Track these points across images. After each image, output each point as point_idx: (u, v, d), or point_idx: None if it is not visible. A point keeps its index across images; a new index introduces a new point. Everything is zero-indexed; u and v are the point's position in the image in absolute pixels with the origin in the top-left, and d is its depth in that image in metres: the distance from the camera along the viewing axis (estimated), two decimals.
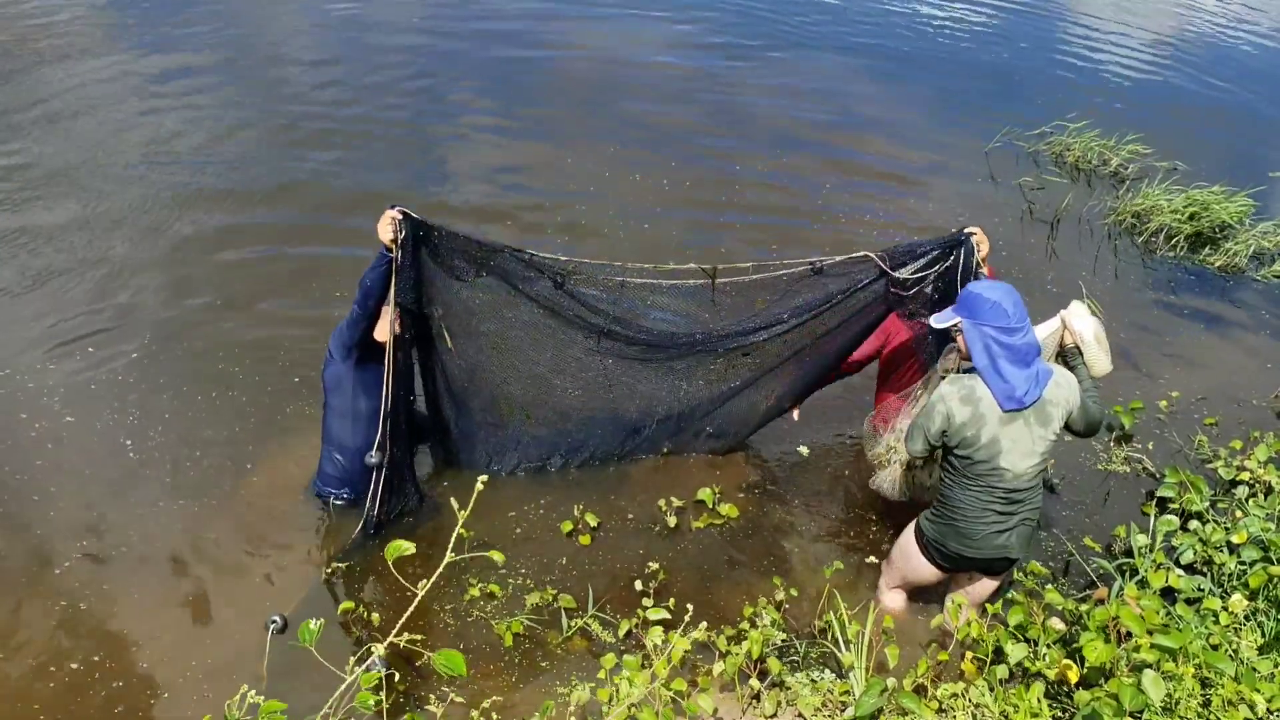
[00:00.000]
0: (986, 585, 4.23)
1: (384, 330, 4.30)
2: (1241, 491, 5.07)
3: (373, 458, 4.36)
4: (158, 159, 7.79)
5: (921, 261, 4.40)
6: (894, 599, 4.48)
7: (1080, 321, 4.15)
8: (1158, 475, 5.34)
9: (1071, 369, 4.06)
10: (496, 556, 2.78)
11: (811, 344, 4.75)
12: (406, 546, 2.46)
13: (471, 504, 2.47)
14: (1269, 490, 5.07)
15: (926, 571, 4.24)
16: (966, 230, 4.37)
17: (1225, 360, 6.56)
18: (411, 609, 2.72)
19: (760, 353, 4.77)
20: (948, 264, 4.37)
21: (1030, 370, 3.76)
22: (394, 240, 4.03)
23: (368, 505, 4.47)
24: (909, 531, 4.28)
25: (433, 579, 2.51)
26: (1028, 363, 3.76)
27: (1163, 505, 5.02)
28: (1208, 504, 4.95)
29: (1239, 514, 4.82)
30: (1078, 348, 4.13)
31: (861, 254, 4.40)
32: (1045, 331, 4.16)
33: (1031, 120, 9.44)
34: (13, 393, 5.39)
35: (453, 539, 2.51)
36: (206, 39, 10.21)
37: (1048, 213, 8.08)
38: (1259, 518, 4.69)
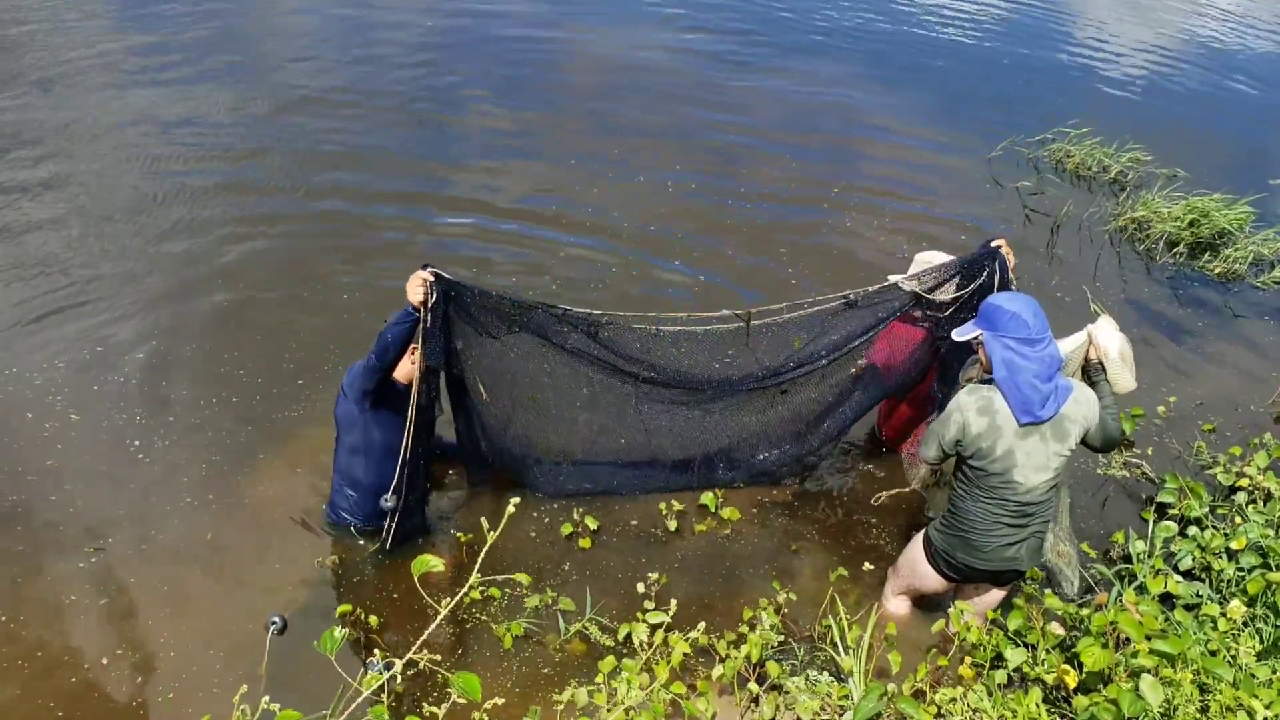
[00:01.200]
0: (994, 595, 4.23)
1: (405, 371, 4.29)
2: (1241, 498, 5.07)
3: (388, 501, 4.31)
4: (161, 160, 7.80)
5: (955, 281, 4.40)
6: (899, 605, 4.49)
7: (1106, 337, 4.09)
8: (1157, 481, 5.35)
9: (1094, 384, 4.03)
10: (523, 579, 2.79)
11: (854, 376, 4.74)
12: (435, 562, 2.43)
13: (502, 526, 2.47)
14: (1268, 496, 5.08)
15: (933, 581, 4.25)
16: (994, 243, 4.35)
17: (1224, 366, 6.58)
18: (434, 626, 2.72)
19: (801, 388, 4.73)
20: (982, 279, 4.35)
21: (1049, 385, 3.72)
22: (423, 303, 3.96)
23: (382, 537, 4.46)
24: (917, 541, 4.29)
25: (458, 598, 2.52)
26: (1048, 377, 3.72)
27: (1162, 511, 5.03)
28: (1207, 510, 4.95)
29: (1238, 520, 4.83)
30: (1101, 364, 4.09)
31: (891, 282, 4.40)
32: (1071, 345, 4.13)
33: (1032, 127, 9.47)
34: (21, 390, 5.41)
35: (480, 559, 2.51)
36: (205, 33, 10.30)
37: (1048, 219, 8.09)
38: (1258, 524, 4.69)
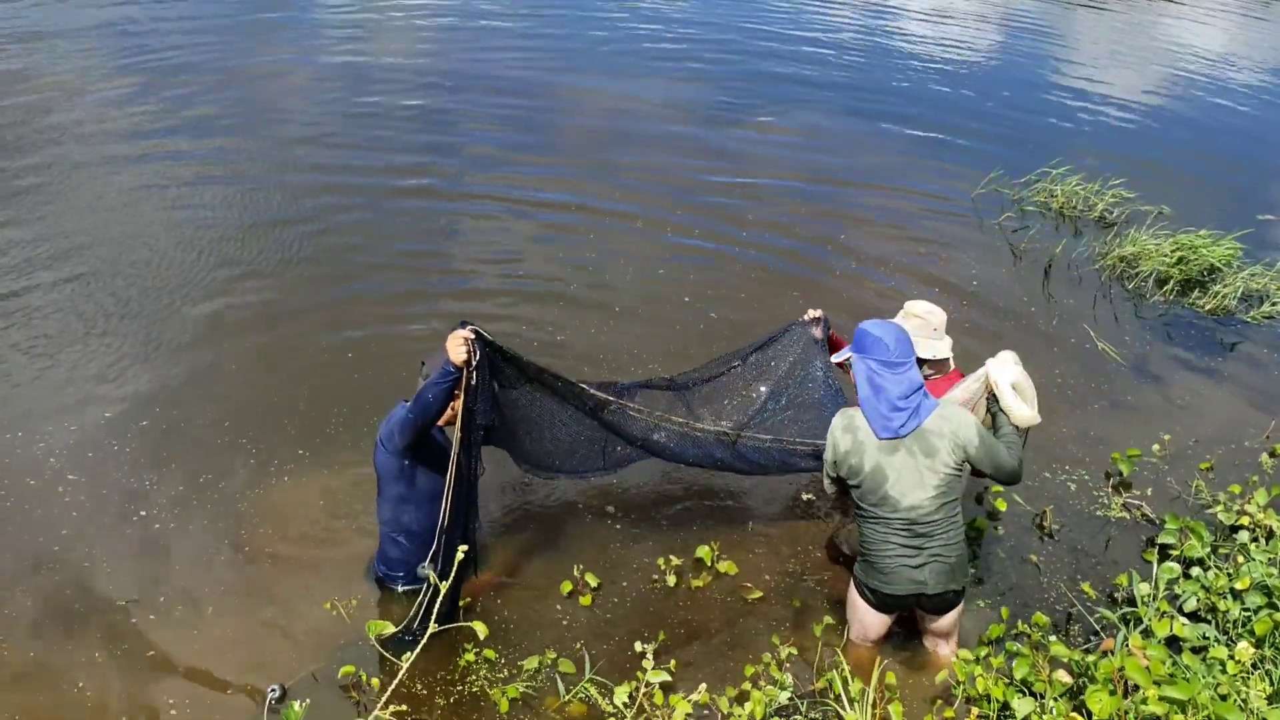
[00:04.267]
0: (940, 622, 4.36)
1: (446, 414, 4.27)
2: (1243, 536, 5.03)
3: (424, 569, 4.15)
4: (162, 228, 7.85)
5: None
6: (860, 654, 4.45)
7: (999, 370, 4.34)
8: (1157, 522, 5.31)
9: (994, 417, 4.32)
10: (479, 628, 2.76)
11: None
12: (385, 625, 2.43)
13: (453, 576, 2.45)
14: (1270, 535, 5.04)
15: (871, 617, 4.37)
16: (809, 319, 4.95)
17: (1218, 403, 6.56)
18: (396, 682, 2.68)
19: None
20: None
21: (908, 403, 4.00)
22: (467, 362, 3.93)
23: (413, 615, 4.10)
24: (851, 579, 4.42)
25: (415, 652, 2.48)
26: (905, 395, 4.00)
27: (1164, 552, 4.99)
28: (1209, 550, 4.91)
29: (1241, 559, 4.78)
30: (994, 394, 4.33)
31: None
32: (972, 381, 4.45)
33: (1016, 166, 9.57)
34: (30, 453, 5.43)
35: (435, 610, 2.48)
36: (212, 105, 10.46)
37: (1040, 261, 8.14)
38: (1262, 562, 4.64)
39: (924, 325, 4.83)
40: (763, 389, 5.03)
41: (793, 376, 5.00)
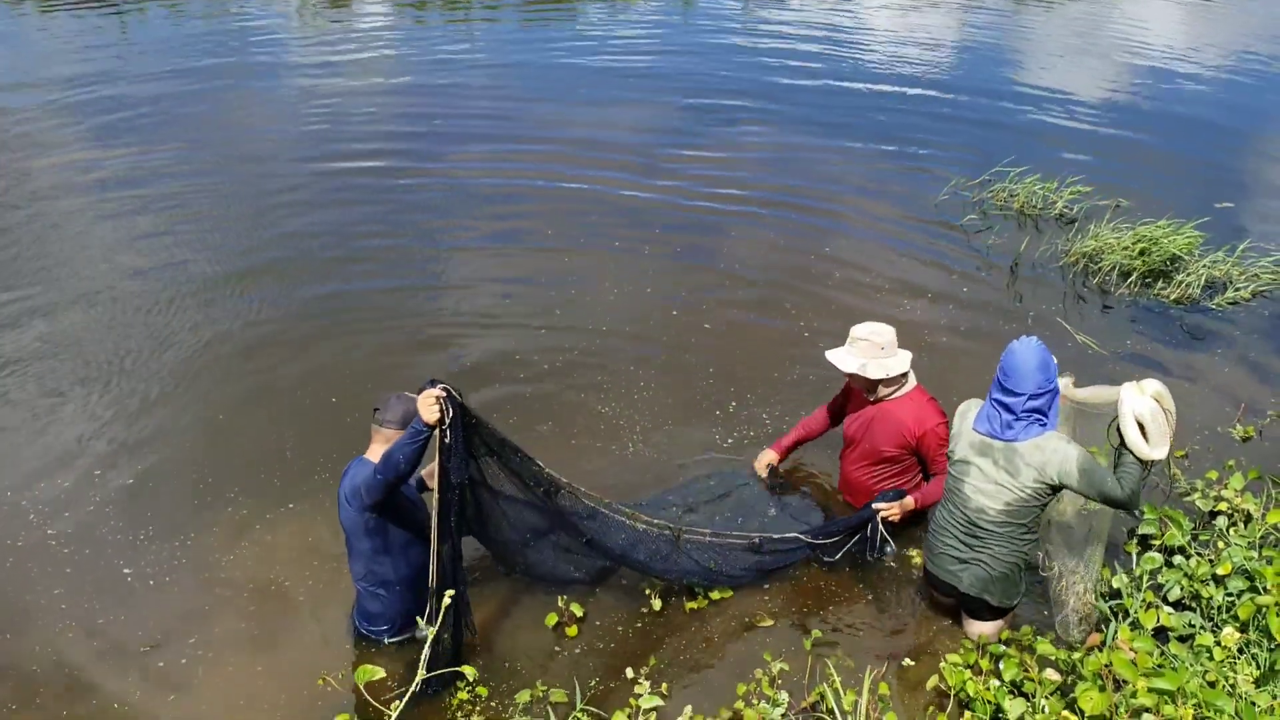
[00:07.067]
0: (973, 629, 4.53)
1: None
2: (1221, 522, 5.07)
3: (422, 630, 4.11)
4: (149, 283, 7.82)
5: (839, 538, 4.97)
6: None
7: (1131, 399, 4.17)
8: (1137, 513, 5.32)
9: (1118, 449, 4.22)
10: (469, 672, 2.75)
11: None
12: (376, 671, 2.41)
13: (440, 620, 2.43)
14: (1248, 518, 5.08)
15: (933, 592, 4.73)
16: (875, 507, 4.92)
17: (1189, 391, 6.60)
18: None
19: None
20: (857, 537, 4.97)
21: (1017, 420, 4.12)
22: (439, 422, 3.90)
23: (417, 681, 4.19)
24: None
25: (405, 699, 2.46)
26: (1014, 412, 4.11)
27: (1145, 543, 5.02)
28: (1189, 538, 4.94)
29: (1221, 545, 4.82)
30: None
31: (792, 535, 4.97)
32: (1106, 390, 4.37)
33: (975, 169, 9.70)
34: (20, 513, 5.42)
35: (424, 654, 2.47)
36: (189, 144, 10.59)
37: (1005, 261, 8.22)
38: (1241, 547, 4.68)
39: (870, 347, 4.89)
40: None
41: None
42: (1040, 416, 4.13)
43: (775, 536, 4.93)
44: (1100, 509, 4.44)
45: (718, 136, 11.19)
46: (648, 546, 4.72)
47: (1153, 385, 4.24)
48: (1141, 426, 4.14)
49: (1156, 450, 4.16)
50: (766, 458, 5.52)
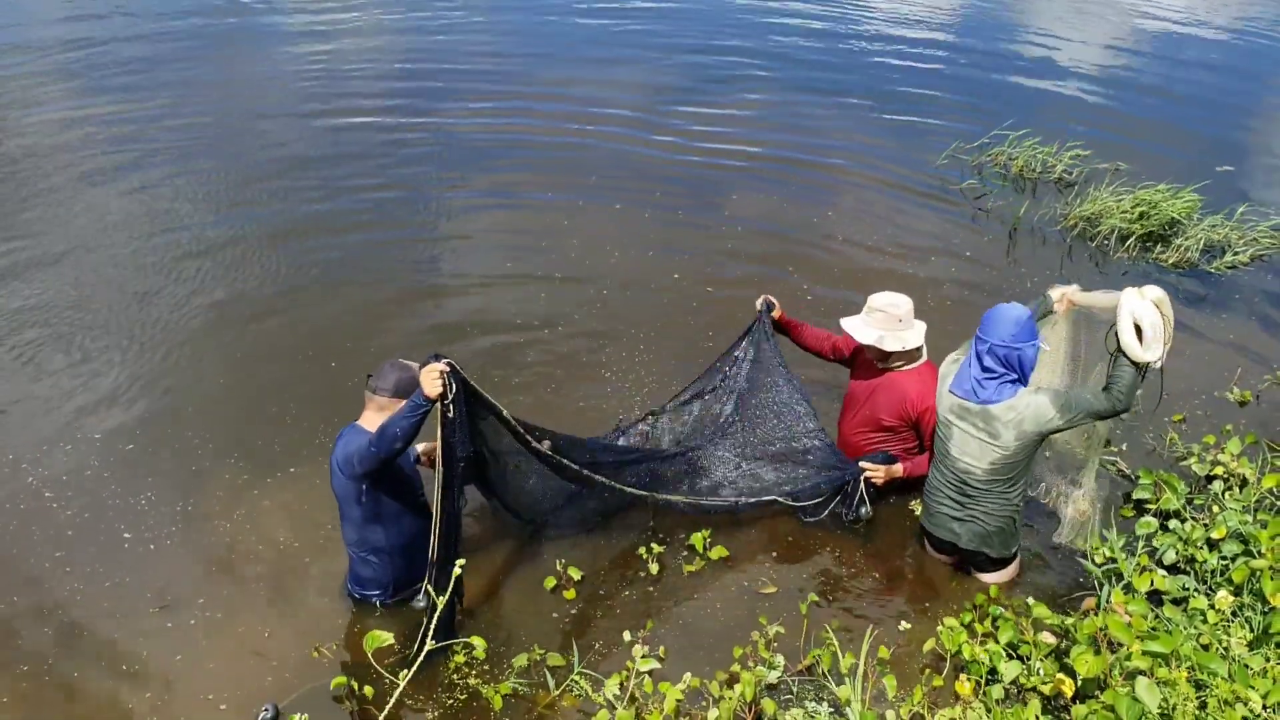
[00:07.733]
0: (985, 578, 4.72)
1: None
2: (1217, 486, 5.09)
3: (420, 601, 4.07)
4: (144, 243, 7.79)
5: (824, 498, 5.05)
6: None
7: (1132, 303, 4.27)
8: (1133, 477, 5.35)
9: (1113, 354, 4.35)
10: (478, 642, 2.76)
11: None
12: (384, 637, 2.42)
13: (450, 590, 2.44)
14: (1244, 482, 5.10)
15: (930, 551, 4.87)
16: (862, 465, 4.96)
17: (1187, 355, 6.59)
18: (396, 696, 2.67)
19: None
20: (841, 495, 5.03)
21: (987, 375, 4.27)
22: (442, 396, 3.86)
23: (417, 647, 3.84)
24: None
25: (413, 669, 2.47)
26: (993, 374, 4.27)
27: (1140, 507, 5.04)
28: (1184, 502, 4.96)
29: (1216, 509, 4.84)
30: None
31: (770, 498, 5.08)
32: (1105, 296, 4.49)
33: (974, 133, 9.63)
34: (19, 474, 5.42)
35: (430, 625, 2.48)
36: (180, 101, 10.52)
37: (1004, 225, 8.19)
38: (1236, 511, 4.71)
39: (888, 318, 4.85)
40: (728, 408, 5.41)
41: (757, 388, 5.32)
42: (1011, 374, 4.25)
43: (753, 500, 5.08)
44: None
45: (719, 96, 11.10)
46: (637, 469, 4.97)
47: (1154, 291, 4.33)
48: (1138, 329, 4.24)
49: (1149, 352, 4.27)
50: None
